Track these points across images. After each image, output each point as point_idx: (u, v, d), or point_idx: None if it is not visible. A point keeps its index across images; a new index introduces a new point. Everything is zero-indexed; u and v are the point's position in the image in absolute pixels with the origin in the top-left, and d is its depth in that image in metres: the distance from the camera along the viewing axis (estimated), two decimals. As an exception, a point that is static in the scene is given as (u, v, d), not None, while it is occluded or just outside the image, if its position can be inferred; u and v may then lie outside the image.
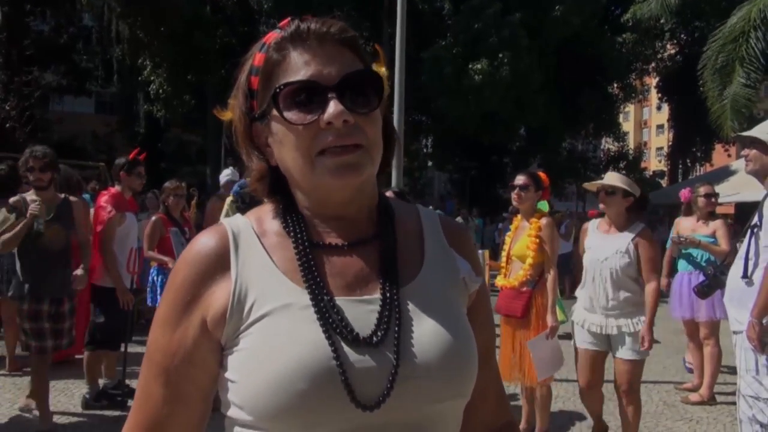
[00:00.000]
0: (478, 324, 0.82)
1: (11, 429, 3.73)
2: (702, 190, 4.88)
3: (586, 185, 3.60)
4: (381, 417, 0.69)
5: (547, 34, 18.15)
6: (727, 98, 10.65)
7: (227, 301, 0.73)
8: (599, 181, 3.39)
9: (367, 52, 0.80)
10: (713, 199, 4.82)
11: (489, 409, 0.89)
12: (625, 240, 3.26)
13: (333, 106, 0.70)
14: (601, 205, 3.35)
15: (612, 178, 3.33)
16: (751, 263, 2.61)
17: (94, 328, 4.12)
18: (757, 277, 2.55)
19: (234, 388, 0.72)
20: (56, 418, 3.90)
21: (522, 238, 3.62)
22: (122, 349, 4.25)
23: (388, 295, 0.74)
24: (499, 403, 0.91)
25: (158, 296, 4.81)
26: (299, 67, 0.73)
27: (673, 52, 25.57)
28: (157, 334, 0.76)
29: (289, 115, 0.72)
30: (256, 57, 0.77)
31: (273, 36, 0.76)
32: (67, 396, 4.34)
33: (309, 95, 0.72)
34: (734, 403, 2.82)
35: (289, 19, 0.76)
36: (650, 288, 3.20)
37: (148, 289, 4.92)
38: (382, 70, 0.80)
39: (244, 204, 4.25)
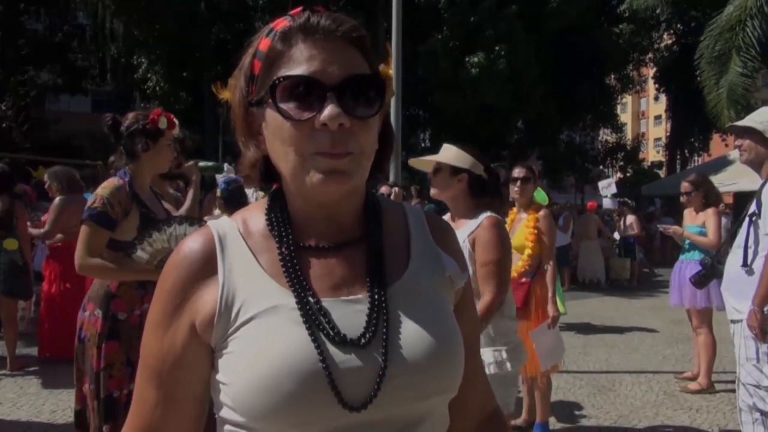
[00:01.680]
0: (463, 319, 0.84)
1: (13, 428, 3.74)
2: (685, 179, 4.91)
3: (411, 162, 2.69)
4: (369, 416, 0.70)
5: (544, 26, 18.09)
6: (724, 88, 10.66)
7: (215, 304, 0.73)
8: (427, 157, 2.56)
9: (375, 52, 0.78)
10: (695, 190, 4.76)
11: (478, 398, 0.91)
12: (461, 236, 2.36)
13: (330, 108, 0.69)
14: (432, 191, 2.53)
15: (441, 153, 2.49)
16: (750, 252, 2.61)
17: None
18: (757, 265, 2.55)
19: (225, 389, 0.73)
20: (59, 416, 3.91)
21: (520, 230, 3.63)
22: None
23: (375, 296, 0.75)
24: (484, 391, 0.94)
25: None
26: (302, 61, 0.71)
27: (670, 42, 25.53)
28: (149, 338, 0.77)
29: (286, 108, 0.71)
30: (262, 41, 0.75)
31: (282, 23, 0.74)
32: (70, 394, 4.35)
33: (308, 92, 0.70)
34: (734, 392, 2.83)
35: (301, 8, 0.75)
36: (481, 303, 2.30)
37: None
38: (390, 72, 0.79)
39: (230, 200, 4.22)
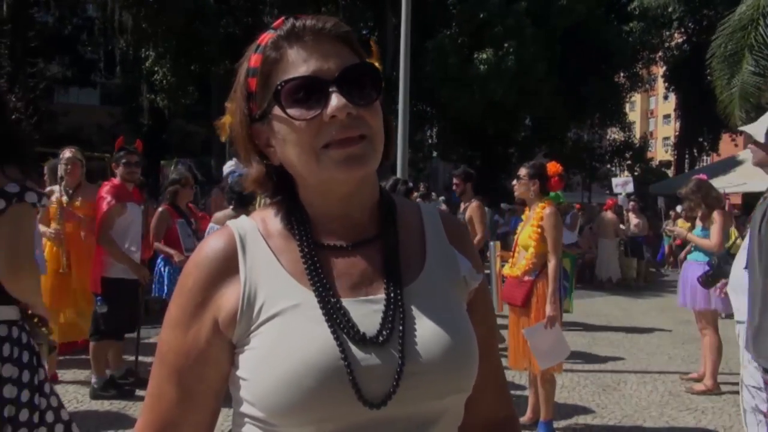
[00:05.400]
0: (477, 319, 0.84)
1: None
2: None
3: None
4: (387, 413, 0.72)
5: (553, 22, 17.98)
6: (736, 87, 10.57)
7: (237, 302, 0.75)
8: None
9: (362, 45, 0.81)
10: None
11: (487, 402, 0.90)
12: None
13: (336, 100, 0.72)
14: None
15: None
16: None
17: (97, 319, 4.15)
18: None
19: (246, 385, 0.74)
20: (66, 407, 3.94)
21: (526, 228, 3.62)
22: (131, 337, 4.28)
23: (392, 294, 0.76)
24: (498, 396, 0.93)
25: (164, 287, 4.84)
26: (298, 63, 0.74)
27: (680, 40, 25.34)
28: (169, 335, 0.78)
29: (292, 111, 0.73)
30: (252, 58, 0.78)
31: (267, 36, 0.77)
32: (75, 386, 4.39)
33: (310, 91, 0.73)
34: (739, 393, 2.81)
35: (282, 18, 0.78)
36: None
37: (155, 279, 4.96)
38: (377, 64, 0.81)
39: (235, 194, 4.25)
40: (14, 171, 1.64)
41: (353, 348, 0.72)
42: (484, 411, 0.90)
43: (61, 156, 4.57)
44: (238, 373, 0.75)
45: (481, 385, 0.82)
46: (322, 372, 0.70)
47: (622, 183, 11.79)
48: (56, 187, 4.50)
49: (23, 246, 1.71)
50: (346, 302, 0.75)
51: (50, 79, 22.05)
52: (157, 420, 0.78)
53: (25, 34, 18.78)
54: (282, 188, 0.82)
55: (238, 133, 0.81)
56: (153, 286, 4.97)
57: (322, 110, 0.72)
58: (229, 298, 0.76)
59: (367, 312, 0.75)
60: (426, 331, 0.75)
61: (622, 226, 11.10)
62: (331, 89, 0.72)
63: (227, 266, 0.77)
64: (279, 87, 0.74)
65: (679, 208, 10.68)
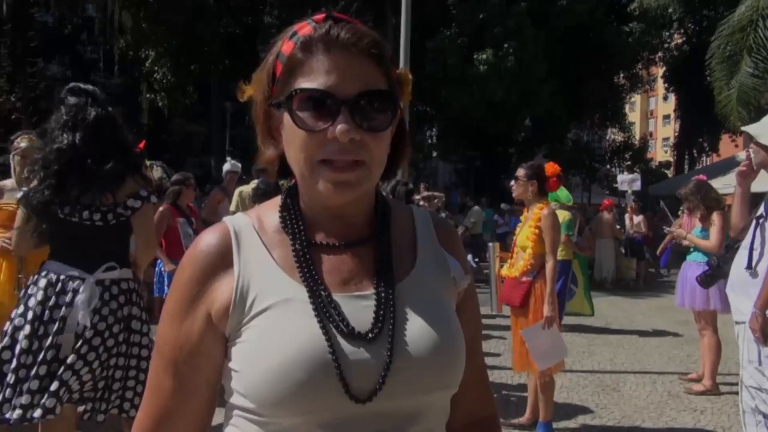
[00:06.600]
0: (464, 319, 0.86)
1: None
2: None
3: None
4: (374, 407, 0.73)
5: (553, 23, 17.99)
6: (734, 88, 10.59)
7: (230, 296, 0.77)
8: None
9: (392, 64, 0.79)
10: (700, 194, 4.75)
11: (470, 400, 0.91)
12: None
13: (342, 123, 0.72)
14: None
15: None
16: (756, 254, 2.60)
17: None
18: (762, 268, 2.55)
19: (237, 377, 0.76)
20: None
21: (524, 229, 3.63)
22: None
23: (383, 292, 0.78)
24: (480, 395, 0.95)
25: (165, 287, 4.85)
26: (320, 73, 0.74)
27: (680, 41, 25.34)
28: (166, 328, 0.80)
29: (301, 117, 0.74)
30: (285, 44, 0.77)
31: (305, 29, 0.76)
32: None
33: (323, 104, 0.73)
34: (738, 394, 2.82)
35: (324, 15, 0.77)
36: None
37: (155, 280, 4.96)
38: (409, 76, 0.82)
39: (260, 190, 4.30)
40: (140, 179, 2.26)
41: (342, 342, 0.73)
42: (467, 409, 0.92)
43: None
44: (231, 365, 0.77)
45: (465, 384, 0.84)
46: (310, 365, 0.71)
47: (629, 180, 11.61)
48: None
49: (152, 231, 2.50)
50: (337, 297, 0.77)
51: (50, 79, 22.05)
52: (155, 410, 0.80)
53: (25, 34, 18.81)
54: (284, 174, 0.83)
55: (257, 111, 0.81)
56: (153, 287, 4.98)
57: (328, 126, 0.72)
58: (222, 291, 0.77)
59: (357, 307, 0.76)
60: (415, 328, 0.77)
61: (617, 227, 11.07)
62: (342, 109, 0.72)
63: (222, 260, 0.79)
64: (294, 93, 0.74)
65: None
